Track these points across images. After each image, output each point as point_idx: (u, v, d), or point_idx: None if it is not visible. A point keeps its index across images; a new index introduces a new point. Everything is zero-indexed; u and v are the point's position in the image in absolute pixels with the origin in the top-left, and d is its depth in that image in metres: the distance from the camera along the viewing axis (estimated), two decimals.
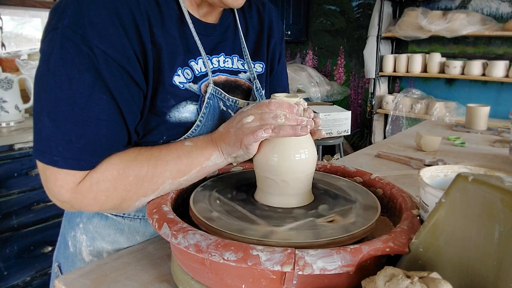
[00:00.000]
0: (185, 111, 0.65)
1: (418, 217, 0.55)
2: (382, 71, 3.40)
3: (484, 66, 2.95)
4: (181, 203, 0.66)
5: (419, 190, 0.56)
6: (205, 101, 0.66)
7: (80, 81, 0.54)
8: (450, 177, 0.59)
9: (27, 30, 2.44)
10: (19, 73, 2.01)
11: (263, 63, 0.80)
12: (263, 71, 0.80)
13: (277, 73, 0.86)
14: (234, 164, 0.67)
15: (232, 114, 0.71)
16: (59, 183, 0.57)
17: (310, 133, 0.64)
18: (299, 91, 3.41)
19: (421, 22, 3.01)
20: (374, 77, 3.39)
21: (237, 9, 0.78)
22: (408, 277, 0.40)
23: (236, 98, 0.72)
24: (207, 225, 0.52)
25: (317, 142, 2.58)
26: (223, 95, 0.69)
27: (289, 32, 3.74)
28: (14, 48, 2.31)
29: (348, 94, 3.90)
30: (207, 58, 0.69)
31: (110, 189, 0.58)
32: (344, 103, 3.87)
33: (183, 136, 0.66)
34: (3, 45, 2.16)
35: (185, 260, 0.51)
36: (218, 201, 0.60)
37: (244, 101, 0.73)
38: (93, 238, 0.74)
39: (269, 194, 0.60)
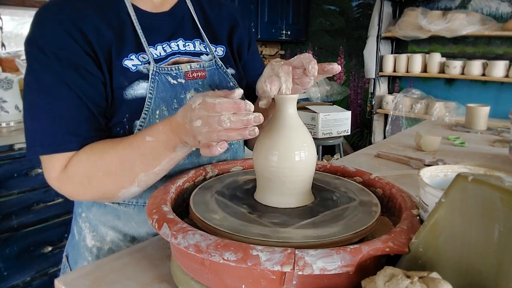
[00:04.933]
0: (139, 89, 0.72)
1: (418, 217, 0.55)
2: (382, 71, 3.40)
3: (484, 66, 2.95)
4: (181, 203, 0.66)
5: (419, 190, 0.56)
6: (150, 77, 0.72)
7: (43, 80, 0.65)
8: (450, 177, 0.59)
9: (27, 30, 2.44)
10: (19, 73, 2.01)
11: (224, 47, 0.87)
12: (223, 54, 0.86)
13: (248, 60, 0.93)
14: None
15: (183, 82, 0.76)
16: (47, 171, 0.67)
17: (323, 71, 0.63)
18: None
19: (421, 22, 3.01)
20: (374, 77, 3.39)
21: (192, 2, 0.85)
22: (408, 277, 0.40)
23: (178, 65, 0.76)
24: (207, 225, 0.52)
25: (317, 142, 2.58)
26: (166, 69, 0.75)
27: (288, 32, 3.74)
28: (14, 48, 2.31)
29: (348, 94, 3.90)
30: (166, 43, 0.78)
31: (84, 183, 0.66)
32: (344, 103, 3.87)
33: (142, 113, 0.71)
34: (3, 45, 2.16)
35: (185, 261, 0.51)
36: (218, 201, 0.60)
37: (186, 64, 0.77)
38: (95, 225, 0.79)
39: (269, 194, 0.60)
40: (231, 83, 0.83)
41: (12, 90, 1.79)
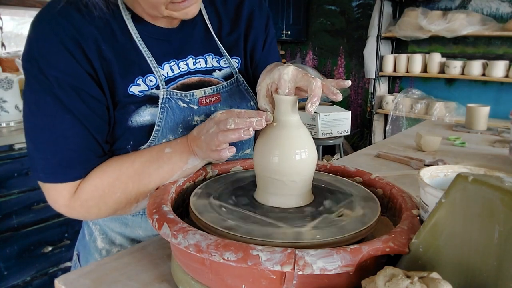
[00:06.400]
0: (146, 115, 0.67)
1: (418, 217, 0.55)
2: (382, 71, 3.40)
3: (484, 66, 2.95)
4: (181, 203, 0.66)
5: (419, 190, 0.56)
6: (159, 106, 0.67)
7: (44, 106, 0.61)
8: (450, 177, 0.59)
9: (27, 30, 2.44)
10: (19, 73, 2.02)
11: (239, 59, 0.79)
12: (238, 67, 0.79)
13: (261, 61, 0.83)
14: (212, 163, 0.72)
15: (195, 107, 0.71)
16: (53, 198, 0.65)
17: (332, 94, 0.57)
18: None
19: (421, 22, 3.01)
20: (374, 77, 3.39)
21: (206, 6, 0.77)
22: (408, 277, 0.40)
23: (193, 91, 0.71)
24: (207, 225, 0.52)
25: (317, 142, 2.58)
26: (179, 94, 0.69)
27: (289, 32, 3.74)
28: (14, 48, 2.31)
29: (348, 94, 3.90)
30: (174, 62, 0.72)
31: (100, 205, 0.66)
32: (344, 103, 3.87)
33: (148, 141, 0.67)
34: (3, 45, 2.16)
35: (185, 260, 0.51)
36: (218, 201, 0.60)
37: (200, 90, 0.72)
38: (104, 229, 0.80)
39: (269, 194, 0.60)
40: (251, 102, 0.79)
41: (12, 90, 1.79)
